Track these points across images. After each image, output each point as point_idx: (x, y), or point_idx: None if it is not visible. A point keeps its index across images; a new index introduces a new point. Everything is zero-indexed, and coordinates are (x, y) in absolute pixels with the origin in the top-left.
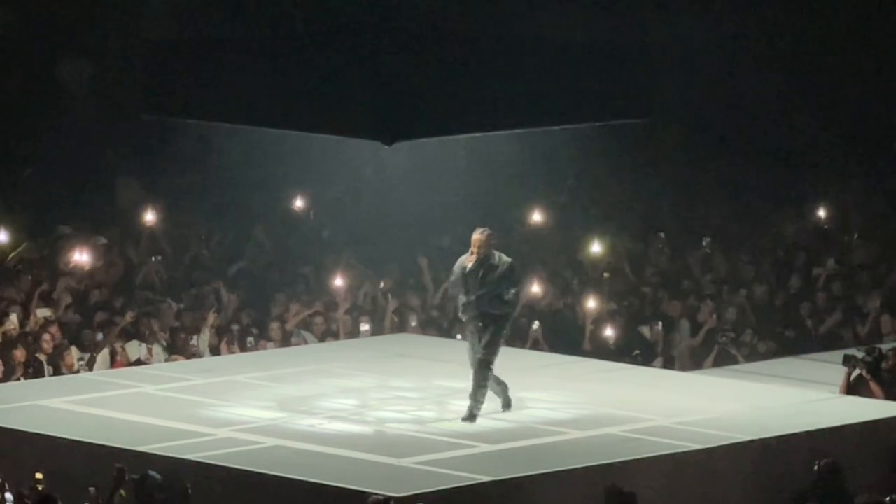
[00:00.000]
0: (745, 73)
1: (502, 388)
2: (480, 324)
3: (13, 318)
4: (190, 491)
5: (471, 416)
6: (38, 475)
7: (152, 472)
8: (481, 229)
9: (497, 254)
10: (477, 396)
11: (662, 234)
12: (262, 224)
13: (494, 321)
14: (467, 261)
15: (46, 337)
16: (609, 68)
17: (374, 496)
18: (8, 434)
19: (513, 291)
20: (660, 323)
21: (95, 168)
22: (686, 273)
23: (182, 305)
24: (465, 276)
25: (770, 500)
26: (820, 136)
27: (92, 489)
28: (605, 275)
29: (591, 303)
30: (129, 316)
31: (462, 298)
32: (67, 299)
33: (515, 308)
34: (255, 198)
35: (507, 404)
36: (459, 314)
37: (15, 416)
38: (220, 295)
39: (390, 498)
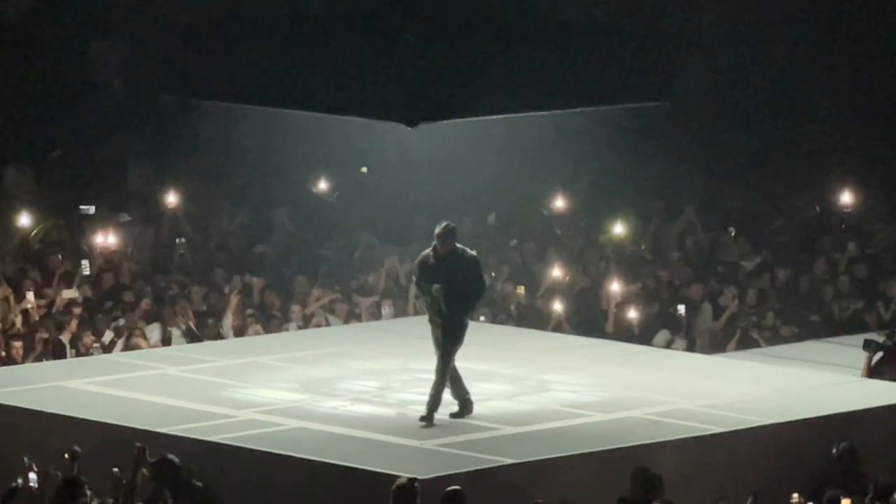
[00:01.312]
0: (766, 55)
1: (458, 390)
2: (444, 319)
3: (30, 297)
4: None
5: (430, 417)
6: (68, 455)
7: (171, 455)
8: (444, 223)
9: (461, 248)
10: (437, 396)
11: (692, 208)
12: (285, 207)
13: (458, 316)
14: (430, 256)
15: (72, 318)
16: (631, 51)
17: (400, 478)
18: (30, 415)
19: (480, 285)
20: (682, 306)
21: (117, 150)
22: (709, 256)
23: (206, 288)
24: (429, 271)
25: (792, 483)
26: (843, 119)
27: (115, 469)
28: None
29: (615, 285)
30: (150, 299)
31: (426, 295)
32: (91, 281)
33: (480, 301)
34: (277, 180)
35: (463, 409)
36: (423, 308)
37: (38, 397)
38: (244, 277)
39: (416, 480)
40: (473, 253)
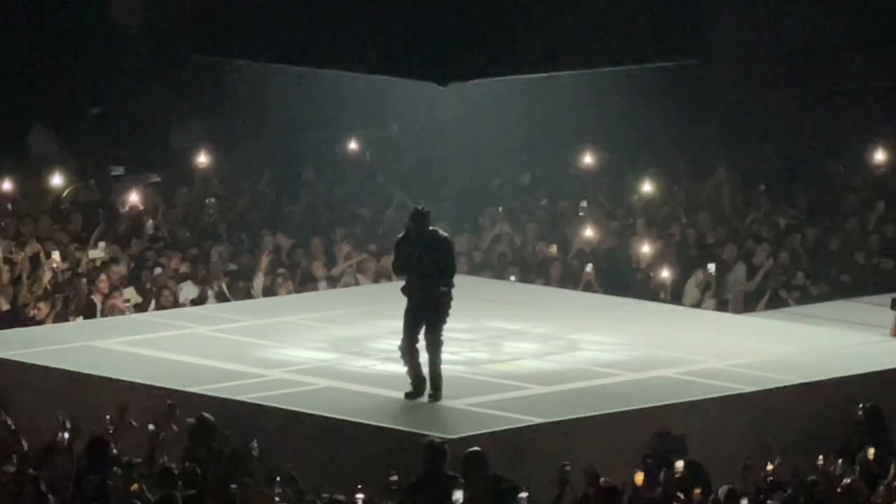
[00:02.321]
0: (797, 13)
1: (417, 368)
2: (427, 301)
3: (56, 257)
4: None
5: (436, 395)
6: (109, 416)
7: (207, 414)
8: (420, 207)
9: (435, 230)
10: (438, 374)
11: (723, 169)
12: (314, 166)
13: (441, 297)
14: (406, 240)
15: (103, 278)
16: (661, 10)
17: (430, 437)
18: (61, 374)
19: (451, 268)
20: (712, 265)
21: (150, 110)
22: (741, 216)
23: (236, 248)
24: (408, 255)
25: (820, 442)
26: (873, 77)
27: (151, 427)
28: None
29: (645, 246)
30: (183, 257)
31: (406, 277)
32: (122, 240)
33: (450, 282)
34: (307, 139)
35: (417, 389)
36: (404, 292)
37: (68, 357)
38: (274, 237)
39: (445, 440)
40: (446, 234)
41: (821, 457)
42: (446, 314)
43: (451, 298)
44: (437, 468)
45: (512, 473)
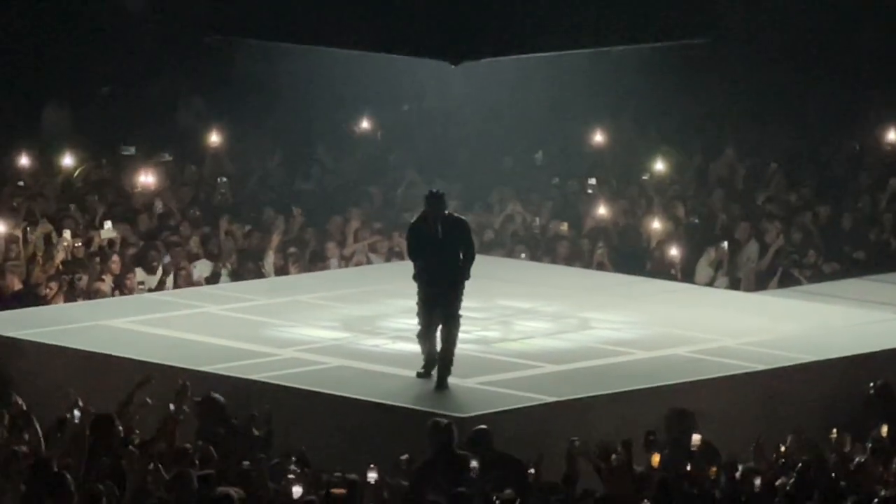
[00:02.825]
0: None
1: (432, 347)
2: (443, 287)
3: (67, 235)
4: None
5: (443, 384)
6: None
7: (216, 394)
8: (435, 191)
9: (451, 213)
10: (449, 360)
11: (731, 150)
12: (326, 145)
13: (456, 281)
14: (423, 226)
15: (115, 258)
16: None
17: (435, 419)
18: (74, 354)
19: (470, 249)
20: (725, 242)
21: (161, 90)
22: (752, 194)
23: (248, 226)
24: (423, 240)
25: (832, 420)
26: (886, 52)
27: (172, 406)
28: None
29: (656, 223)
30: (192, 238)
31: (420, 263)
32: (133, 220)
33: (472, 264)
34: (318, 119)
35: (429, 367)
36: (416, 279)
37: (80, 337)
38: (286, 216)
39: (452, 421)
40: (462, 217)
41: (834, 430)
42: (462, 294)
43: (467, 279)
44: (445, 448)
45: (523, 452)
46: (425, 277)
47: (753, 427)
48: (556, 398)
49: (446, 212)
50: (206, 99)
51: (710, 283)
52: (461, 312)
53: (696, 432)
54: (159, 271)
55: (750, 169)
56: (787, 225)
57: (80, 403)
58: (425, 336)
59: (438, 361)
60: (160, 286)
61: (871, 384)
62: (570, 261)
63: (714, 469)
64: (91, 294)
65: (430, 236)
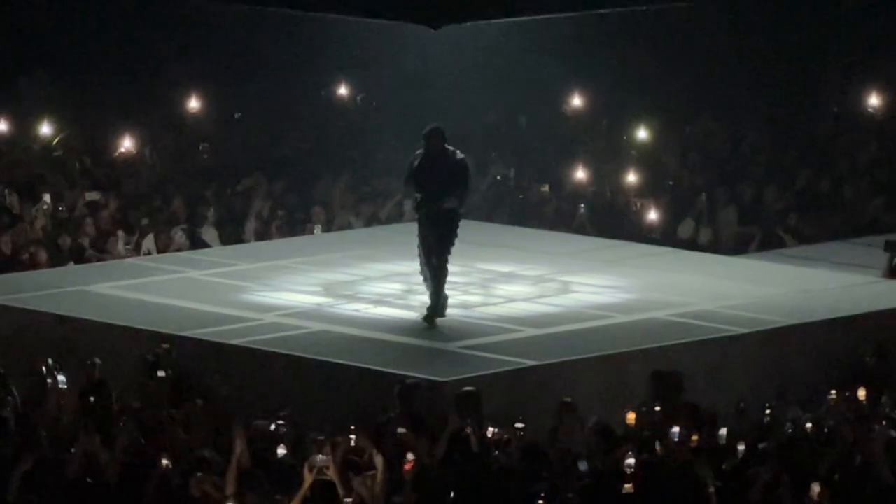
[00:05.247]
0: None
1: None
2: (433, 220)
3: (46, 199)
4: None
5: (432, 317)
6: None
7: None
8: (432, 126)
9: (450, 149)
10: (439, 294)
11: (709, 116)
12: (305, 109)
13: (447, 217)
14: (420, 156)
15: (90, 221)
16: None
17: (409, 380)
18: (53, 319)
19: (463, 188)
20: (704, 194)
21: (141, 54)
22: (732, 157)
23: (229, 191)
24: (418, 172)
25: (814, 383)
26: (869, 20)
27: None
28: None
29: (631, 176)
30: (174, 202)
31: (416, 195)
32: (113, 185)
33: (464, 203)
34: (298, 84)
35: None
36: (414, 209)
37: (61, 301)
38: (266, 181)
39: (421, 381)
40: (462, 155)
41: (833, 392)
42: (454, 235)
43: (459, 218)
44: (409, 408)
45: (505, 415)
46: (424, 211)
47: (735, 391)
48: (537, 362)
49: (448, 147)
50: (185, 64)
51: (694, 238)
52: (449, 262)
53: (681, 394)
54: (138, 236)
55: (728, 133)
56: (768, 188)
57: (60, 368)
58: (425, 274)
59: (429, 303)
60: (137, 250)
61: (860, 346)
62: (551, 223)
63: (695, 438)
64: (73, 259)
65: (422, 170)
